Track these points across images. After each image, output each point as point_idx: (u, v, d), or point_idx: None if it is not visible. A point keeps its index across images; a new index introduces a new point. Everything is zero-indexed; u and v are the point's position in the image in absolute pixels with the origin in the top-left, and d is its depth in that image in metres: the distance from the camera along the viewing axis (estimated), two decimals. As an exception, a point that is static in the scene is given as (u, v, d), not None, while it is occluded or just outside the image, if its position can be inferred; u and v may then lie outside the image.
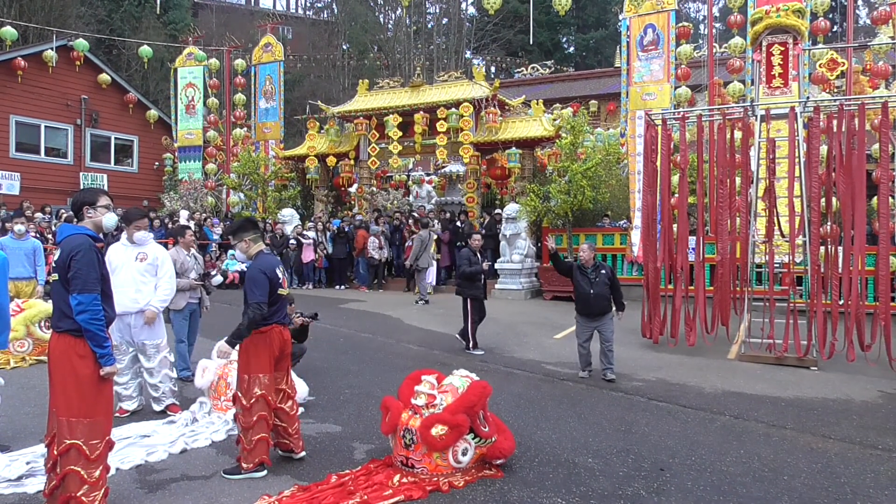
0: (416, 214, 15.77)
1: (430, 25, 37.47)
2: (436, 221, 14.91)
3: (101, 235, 3.78)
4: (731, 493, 4.08)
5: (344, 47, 36.38)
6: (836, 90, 14.23)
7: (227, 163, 20.62)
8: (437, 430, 4.13)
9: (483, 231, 14.50)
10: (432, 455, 4.18)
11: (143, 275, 5.72)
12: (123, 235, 5.84)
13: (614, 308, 7.16)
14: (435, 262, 14.20)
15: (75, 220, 3.75)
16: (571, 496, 4.01)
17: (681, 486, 4.18)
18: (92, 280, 3.48)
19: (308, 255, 15.36)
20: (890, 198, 8.86)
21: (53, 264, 3.65)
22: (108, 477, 3.64)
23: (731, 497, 4.02)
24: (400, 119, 15.75)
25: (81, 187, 20.47)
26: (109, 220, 3.71)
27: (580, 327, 7.16)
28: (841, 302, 8.06)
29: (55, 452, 3.45)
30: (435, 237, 14.34)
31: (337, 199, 18.84)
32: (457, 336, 8.66)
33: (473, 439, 4.24)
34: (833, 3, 17.39)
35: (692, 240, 9.59)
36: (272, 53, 20.26)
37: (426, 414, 4.28)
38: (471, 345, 8.36)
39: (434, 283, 14.22)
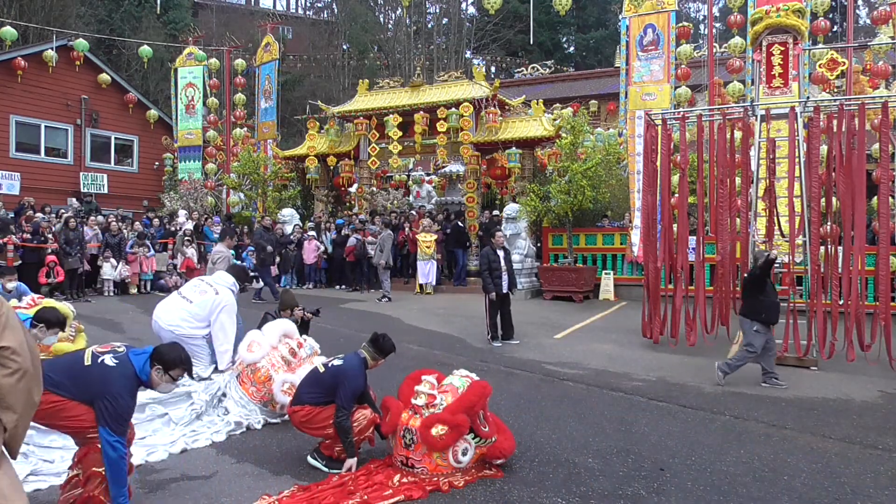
0: (383, 214, 16.07)
1: (430, 25, 37.47)
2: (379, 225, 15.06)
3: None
4: (731, 493, 4.08)
5: (344, 47, 36.38)
6: (836, 90, 14.23)
7: (227, 163, 20.63)
8: (437, 429, 4.12)
9: (481, 233, 14.65)
10: (432, 455, 4.18)
11: None
12: None
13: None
14: (435, 262, 14.22)
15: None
16: (571, 496, 4.01)
17: (681, 486, 4.18)
18: None
19: (310, 256, 15.36)
20: (890, 198, 8.86)
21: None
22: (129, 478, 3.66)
23: (731, 497, 4.02)
24: (400, 119, 15.74)
25: (81, 187, 20.51)
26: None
27: (761, 338, 6.76)
28: (841, 302, 8.06)
29: (77, 459, 3.56)
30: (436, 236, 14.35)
31: (337, 199, 18.83)
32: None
33: (473, 439, 4.23)
34: (833, 3, 17.37)
35: (692, 240, 9.59)
36: (271, 53, 20.30)
37: (426, 414, 4.28)
38: (489, 336, 9.04)
39: (434, 282, 14.23)
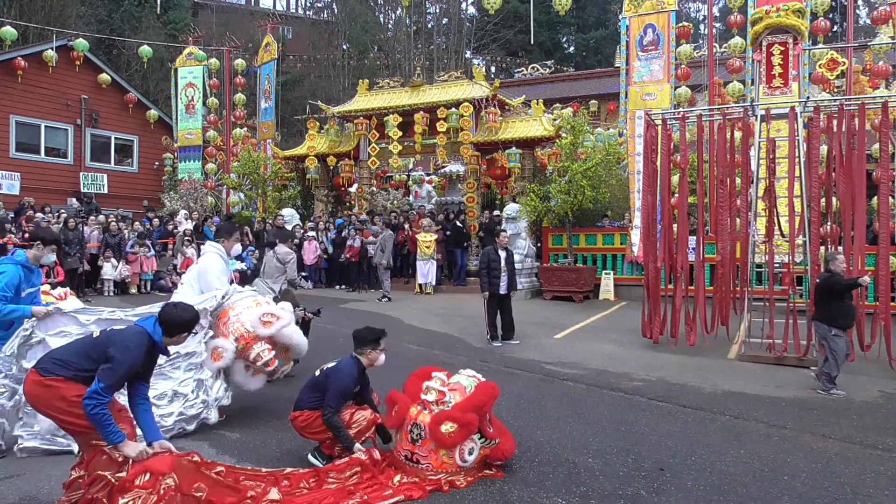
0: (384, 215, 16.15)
1: (430, 25, 37.48)
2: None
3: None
4: (731, 493, 4.08)
5: (344, 47, 36.38)
6: (836, 90, 14.23)
7: (227, 163, 20.63)
8: (447, 427, 4.12)
9: (482, 233, 14.65)
10: (439, 452, 4.17)
11: None
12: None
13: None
14: (434, 262, 14.21)
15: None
16: (571, 496, 4.01)
17: (681, 486, 4.18)
18: None
19: (310, 256, 15.36)
20: (890, 198, 8.86)
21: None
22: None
23: (731, 497, 4.02)
24: (400, 119, 15.74)
25: (82, 187, 20.51)
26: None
27: (843, 340, 6.68)
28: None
29: (83, 461, 3.52)
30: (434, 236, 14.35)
31: (337, 199, 18.84)
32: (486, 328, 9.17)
33: (479, 440, 4.23)
34: (833, 3, 17.37)
35: (692, 240, 9.59)
36: (270, 53, 20.31)
37: (436, 410, 4.26)
38: (488, 336, 8.97)
39: (434, 282, 14.22)
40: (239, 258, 15.73)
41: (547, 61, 32.96)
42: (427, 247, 14.04)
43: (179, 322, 3.63)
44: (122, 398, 3.78)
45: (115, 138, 22.11)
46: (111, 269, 13.66)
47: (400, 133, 15.73)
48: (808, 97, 9.52)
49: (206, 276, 5.67)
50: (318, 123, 17.74)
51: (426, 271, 14.14)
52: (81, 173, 20.80)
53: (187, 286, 5.87)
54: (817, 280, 7.01)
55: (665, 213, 9.20)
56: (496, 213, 15.32)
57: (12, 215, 14.24)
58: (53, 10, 25.10)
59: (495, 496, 3.99)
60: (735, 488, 4.14)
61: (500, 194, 17.24)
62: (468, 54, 36.81)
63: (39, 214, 14.93)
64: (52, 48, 19.36)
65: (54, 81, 20.08)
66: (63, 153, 20.80)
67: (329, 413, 4.33)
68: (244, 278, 11.53)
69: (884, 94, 11.87)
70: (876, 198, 9.35)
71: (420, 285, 14.23)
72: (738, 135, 9.08)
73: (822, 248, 8.29)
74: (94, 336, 3.65)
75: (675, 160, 9.42)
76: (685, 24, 15.53)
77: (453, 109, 15.17)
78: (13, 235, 12.28)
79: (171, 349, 4.06)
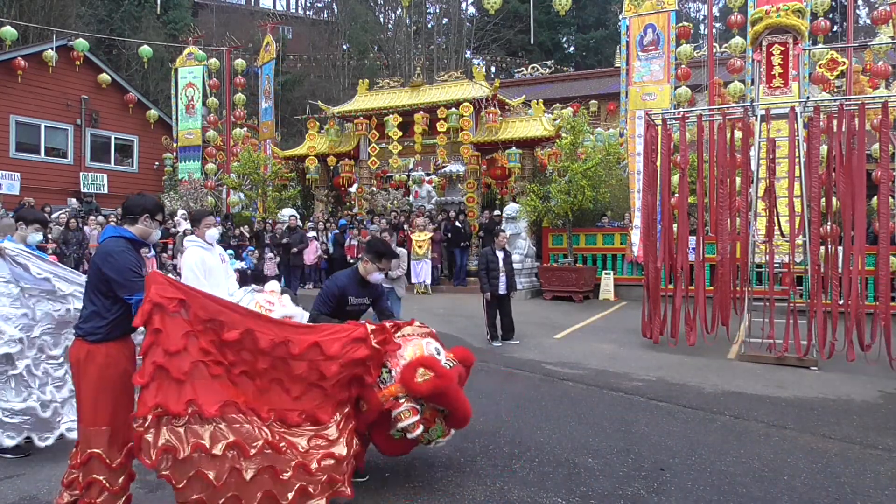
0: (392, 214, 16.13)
1: (430, 25, 37.50)
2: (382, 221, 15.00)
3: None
4: (731, 493, 4.08)
5: (344, 47, 36.39)
6: (836, 90, 14.24)
7: (227, 163, 20.64)
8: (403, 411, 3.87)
9: (482, 233, 14.65)
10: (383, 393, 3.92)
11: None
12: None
13: None
14: (428, 261, 14.19)
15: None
16: (571, 496, 4.01)
17: (681, 486, 4.18)
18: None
19: (310, 257, 15.35)
20: (890, 198, 8.86)
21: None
22: (130, 485, 3.59)
23: (731, 497, 4.02)
24: (400, 119, 15.74)
25: (81, 187, 20.52)
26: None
27: None
28: (841, 302, 8.06)
29: (77, 461, 3.44)
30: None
31: (337, 199, 18.85)
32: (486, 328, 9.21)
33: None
34: (833, 3, 17.37)
35: (692, 240, 9.59)
36: (270, 53, 20.33)
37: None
38: (488, 336, 9.05)
39: (428, 282, 14.20)
40: (239, 258, 15.74)
41: (547, 61, 32.97)
42: (420, 246, 14.01)
43: (139, 204, 3.54)
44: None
45: (115, 138, 22.11)
46: (111, 269, 13.65)
47: (400, 133, 15.73)
48: (808, 97, 9.52)
49: (185, 269, 5.64)
50: (318, 123, 17.74)
51: (419, 271, 14.09)
52: (81, 173, 20.80)
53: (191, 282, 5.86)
54: None
55: (665, 213, 9.20)
56: (496, 213, 15.32)
57: (12, 215, 14.22)
58: (53, 10, 25.09)
59: (495, 496, 3.99)
60: (735, 488, 4.14)
61: (500, 194, 17.24)
62: (468, 54, 36.83)
63: (39, 214, 14.91)
64: (52, 48, 19.36)
65: (54, 81, 20.08)
66: (63, 153, 20.80)
67: (314, 314, 4.48)
68: (244, 278, 11.52)
69: (884, 94, 11.87)
70: (876, 198, 9.35)
71: (415, 285, 14.20)
72: (738, 135, 9.08)
73: (822, 248, 8.29)
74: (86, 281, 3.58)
75: (675, 160, 9.42)
76: (685, 24, 15.53)
77: (453, 109, 15.17)
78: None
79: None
